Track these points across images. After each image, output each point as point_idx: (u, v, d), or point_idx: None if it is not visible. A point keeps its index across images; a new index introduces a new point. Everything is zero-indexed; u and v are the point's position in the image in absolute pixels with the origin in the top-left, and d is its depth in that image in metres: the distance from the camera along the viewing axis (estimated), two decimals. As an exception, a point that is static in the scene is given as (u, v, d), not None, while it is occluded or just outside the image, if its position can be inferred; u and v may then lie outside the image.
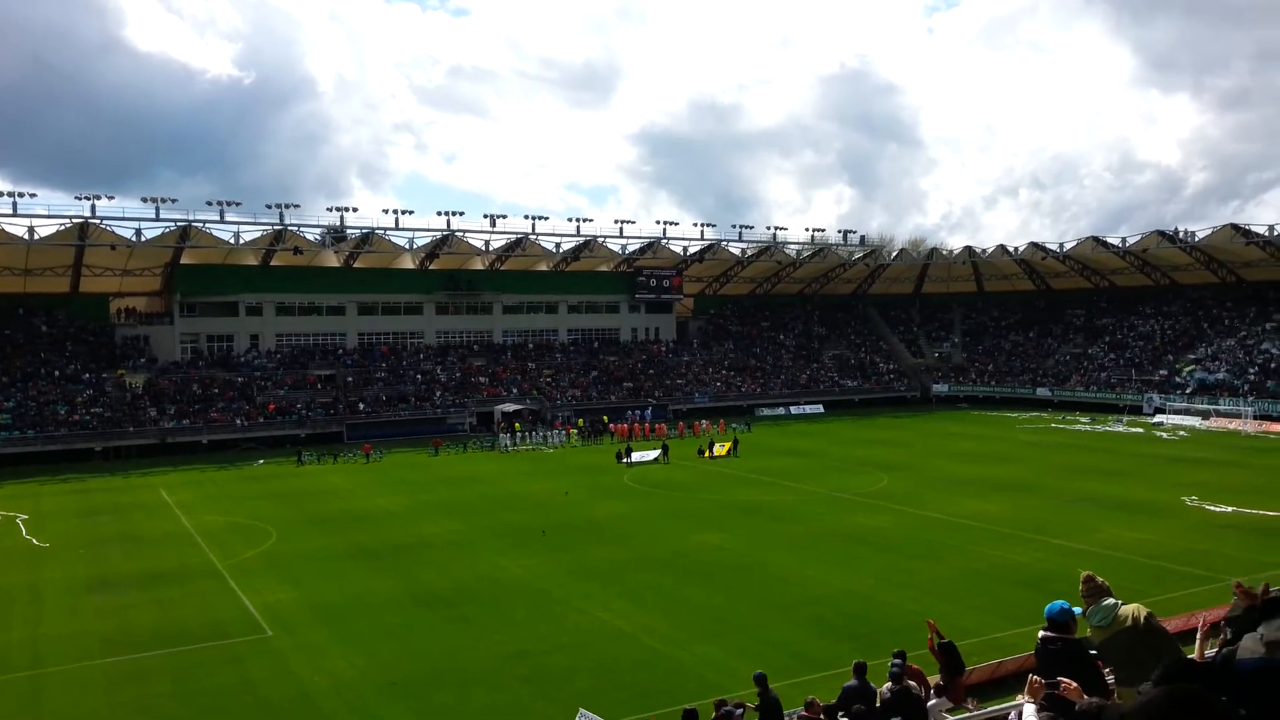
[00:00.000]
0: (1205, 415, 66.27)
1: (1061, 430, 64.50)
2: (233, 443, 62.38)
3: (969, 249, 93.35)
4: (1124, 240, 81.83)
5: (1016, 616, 22.06)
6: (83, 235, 63.42)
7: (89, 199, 61.96)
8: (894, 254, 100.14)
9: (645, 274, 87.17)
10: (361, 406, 68.88)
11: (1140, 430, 63.22)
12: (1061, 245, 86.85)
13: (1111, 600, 6.57)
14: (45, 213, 63.16)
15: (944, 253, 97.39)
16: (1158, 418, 67.75)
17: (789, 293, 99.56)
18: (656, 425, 67.47)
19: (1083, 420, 69.06)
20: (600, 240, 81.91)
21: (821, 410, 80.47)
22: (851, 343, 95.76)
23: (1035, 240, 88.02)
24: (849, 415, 77.72)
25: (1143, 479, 43.17)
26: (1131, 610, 6.43)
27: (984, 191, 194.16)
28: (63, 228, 62.54)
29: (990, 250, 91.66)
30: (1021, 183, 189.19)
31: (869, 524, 34.43)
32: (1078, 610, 7.00)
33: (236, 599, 26.26)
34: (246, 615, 24.70)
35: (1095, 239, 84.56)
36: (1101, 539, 30.88)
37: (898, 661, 13.67)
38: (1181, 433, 61.90)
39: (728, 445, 55.41)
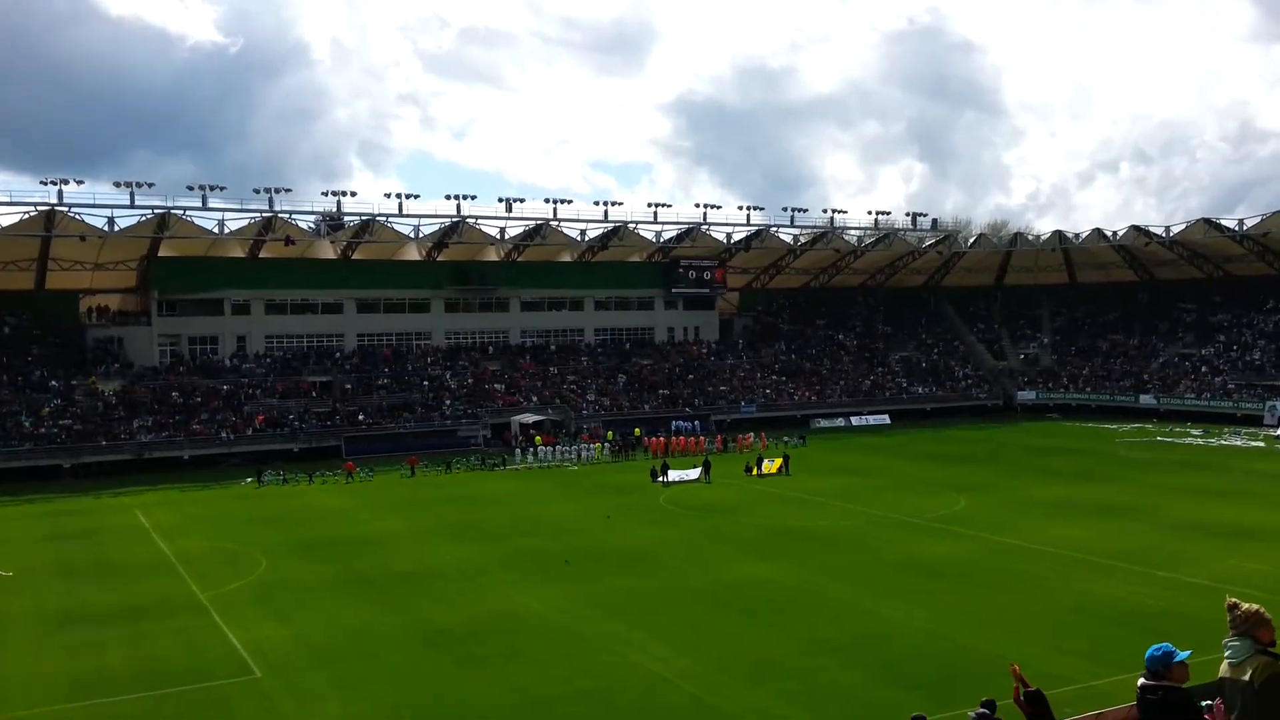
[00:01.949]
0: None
1: (1169, 444, 63.81)
2: (217, 458, 63.36)
3: (1059, 234, 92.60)
4: (1241, 223, 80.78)
5: (1117, 660, 21.78)
6: (49, 225, 64.78)
7: (55, 183, 63.08)
8: (971, 240, 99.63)
9: (683, 265, 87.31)
10: (361, 417, 69.65)
11: (1262, 444, 62.29)
12: (1168, 229, 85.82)
13: (1255, 642, 6.34)
14: (6, 199, 64.20)
15: (1030, 238, 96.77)
16: (1283, 429, 66.77)
17: (849, 285, 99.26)
18: (698, 439, 67.39)
19: (1194, 432, 68.17)
20: (631, 226, 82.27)
21: (887, 421, 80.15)
22: (922, 343, 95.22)
23: (1137, 223, 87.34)
24: (919, 427, 77.26)
25: (1265, 501, 42.53)
26: (1262, 663, 6.22)
27: (1078, 167, 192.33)
28: (26, 216, 63.91)
29: (1085, 235, 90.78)
30: (1122, 156, 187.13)
31: (942, 553, 34.24)
32: (1183, 655, 6.90)
33: (222, 635, 26.65)
34: (233, 654, 25.05)
35: (1208, 221, 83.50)
36: (1216, 571, 30.43)
37: (985, 711, 13.56)
38: (1311, 447, 60.96)
39: (778, 462, 55.34)
